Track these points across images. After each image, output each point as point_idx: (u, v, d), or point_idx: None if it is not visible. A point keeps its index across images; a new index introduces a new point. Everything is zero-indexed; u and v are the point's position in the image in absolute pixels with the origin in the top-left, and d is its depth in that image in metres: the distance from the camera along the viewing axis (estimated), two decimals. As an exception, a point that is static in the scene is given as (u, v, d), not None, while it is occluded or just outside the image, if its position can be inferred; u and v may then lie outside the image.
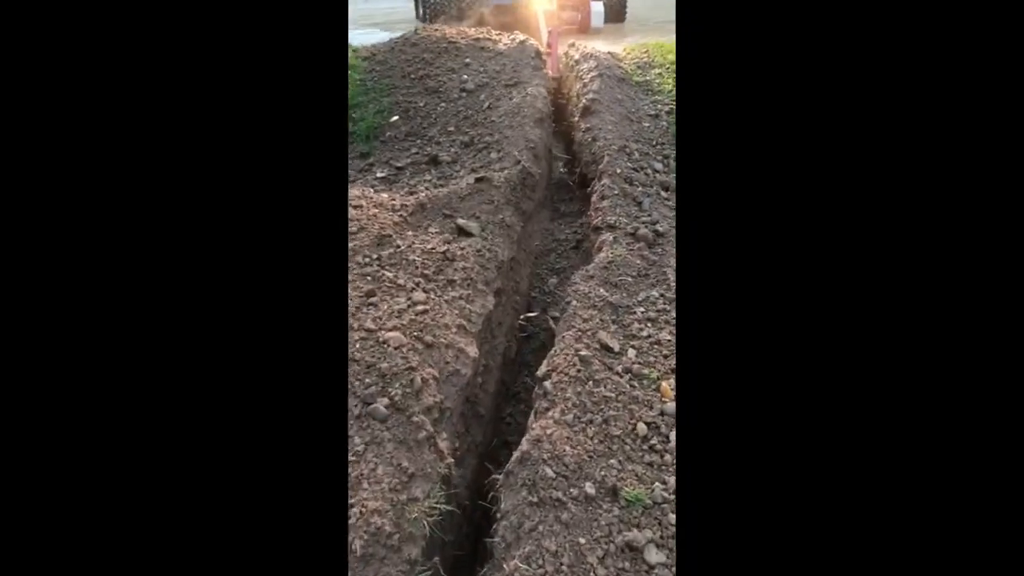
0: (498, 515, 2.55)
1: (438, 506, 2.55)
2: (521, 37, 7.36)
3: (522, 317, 4.73)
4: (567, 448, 2.68)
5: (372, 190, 4.84)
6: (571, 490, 2.51)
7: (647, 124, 6.16)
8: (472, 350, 3.46)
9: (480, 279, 4.03)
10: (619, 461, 2.66)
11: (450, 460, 2.78)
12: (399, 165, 5.57)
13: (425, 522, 2.48)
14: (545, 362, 3.41)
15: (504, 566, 2.32)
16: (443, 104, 6.41)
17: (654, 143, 5.85)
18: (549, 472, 2.55)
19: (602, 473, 2.59)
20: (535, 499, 2.46)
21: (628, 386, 3.11)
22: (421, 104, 6.44)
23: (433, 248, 4.11)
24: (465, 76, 6.75)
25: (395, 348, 3.05)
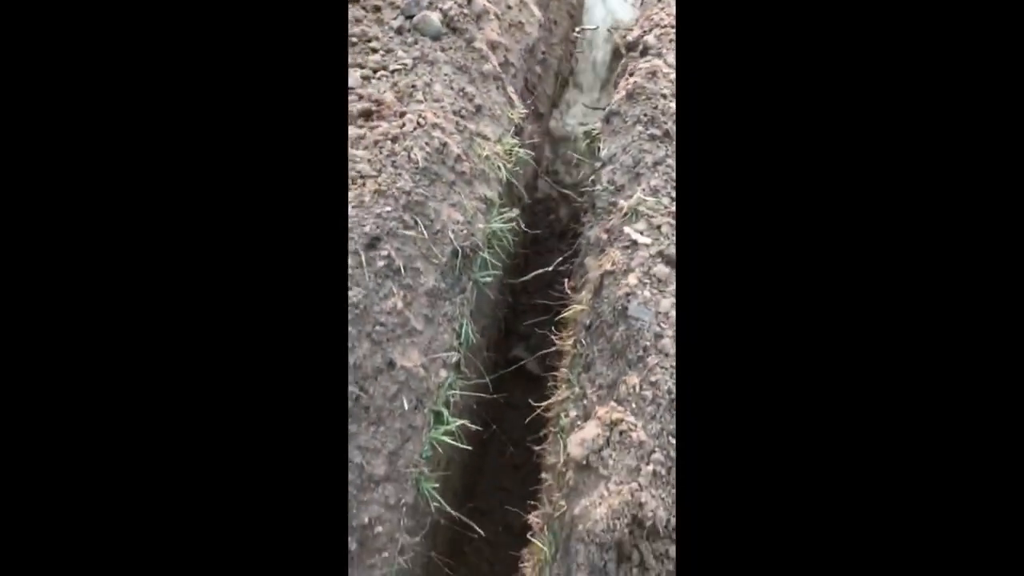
0: (599, 165, 1.92)
1: (515, 150, 1.91)
2: None
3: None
4: (690, 89, 2.00)
5: None
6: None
7: None
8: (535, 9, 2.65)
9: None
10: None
11: (523, 110, 2.10)
12: None
13: (501, 165, 1.85)
14: None
15: (612, 213, 1.72)
16: None
17: None
18: (675, 105, 1.88)
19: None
20: (658, 132, 1.81)
21: None
22: None
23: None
24: None
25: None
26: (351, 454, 1.20)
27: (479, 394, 1.58)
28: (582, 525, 1.16)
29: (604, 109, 2.15)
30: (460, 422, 1.39)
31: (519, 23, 2.49)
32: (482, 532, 1.53)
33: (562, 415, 1.45)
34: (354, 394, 1.24)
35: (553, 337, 1.67)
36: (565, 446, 1.30)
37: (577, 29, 3.88)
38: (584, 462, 1.25)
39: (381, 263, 1.39)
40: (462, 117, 1.83)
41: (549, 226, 2.77)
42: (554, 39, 3.28)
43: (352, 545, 1.15)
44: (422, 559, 1.46)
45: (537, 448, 1.51)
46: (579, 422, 1.36)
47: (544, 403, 1.54)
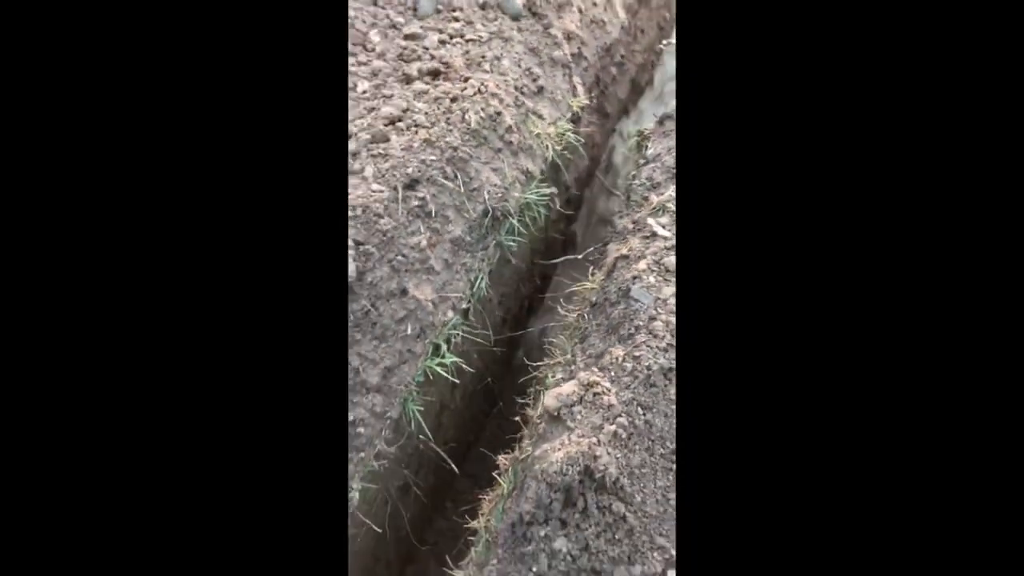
0: (643, 163, 2.02)
1: (567, 134, 2.03)
2: None
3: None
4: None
5: None
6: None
7: None
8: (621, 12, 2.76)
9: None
10: None
11: (584, 101, 2.22)
12: None
13: (550, 145, 1.97)
14: None
15: (643, 206, 1.81)
16: None
17: None
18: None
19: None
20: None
21: None
22: None
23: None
24: None
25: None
26: (350, 358, 1.35)
27: (480, 342, 1.70)
28: (538, 465, 1.27)
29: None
30: (456, 359, 1.52)
31: (600, 21, 2.60)
32: (456, 468, 1.66)
33: (549, 375, 1.56)
34: (365, 308, 1.39)
35: (560, 309, 1.78)
36: (543, 399, 1.42)
37: (664, 42, 3.95)
38: (556, 413, 1.36)
39: (415, 203, 1.54)
40: (522, 93, 1.96)
41: (590, 219, 2.87)
42: (637, 47, 3.37)
43: (334, 435, 1.30)
44: (398, 478, 1.59)
45: (520, 400, 1.62)
46: (562, 382, 1.47)
47: (537, 363, 1.65)
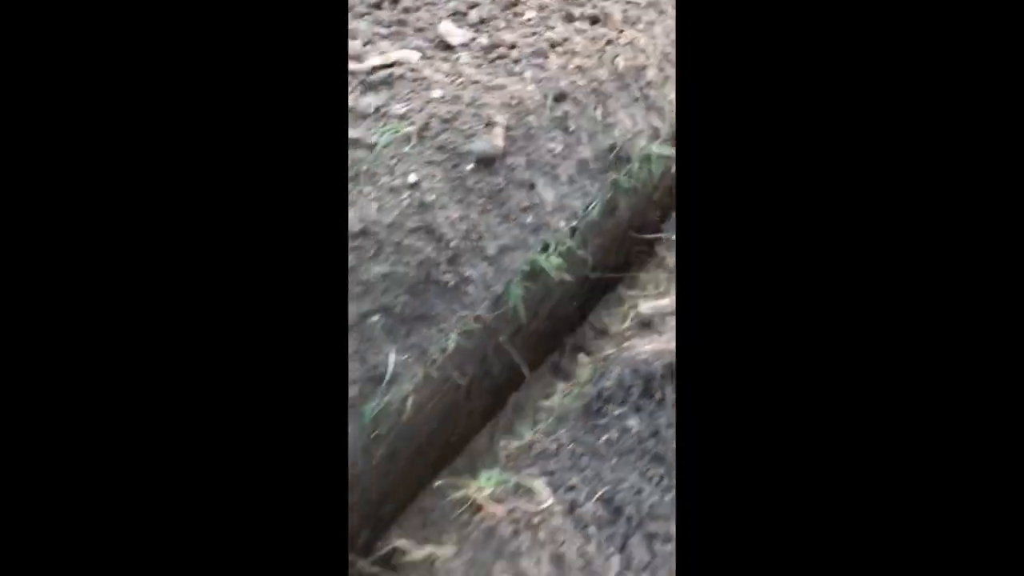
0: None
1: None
2: None
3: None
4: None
5: None
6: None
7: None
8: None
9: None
10: None
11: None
12: None
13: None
14: None
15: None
16: None
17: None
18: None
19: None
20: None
21: None
22: None
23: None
24: None
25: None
26: (476, 225, 1.49)
27: (581, 257, 1.82)
28: (626, 354, 1.37)
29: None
30: (560, 262, 1.64)
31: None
32: (527, 372, 1.77)
33: (641, 301, 1.67)
34: (500, 185, 1.53)
35: (659, 252, 1.88)
36: (637, 308, 1.52)
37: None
38: (648, 322, 1.46)
39: (559, 113, 1.68)
40: (667, 60, 2.09)
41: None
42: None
43: (451, 281, 1.44)
44: (476, 360, 1.71)
45: (607, 318, 1.73)
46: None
47: (630, 291, 1.76)
